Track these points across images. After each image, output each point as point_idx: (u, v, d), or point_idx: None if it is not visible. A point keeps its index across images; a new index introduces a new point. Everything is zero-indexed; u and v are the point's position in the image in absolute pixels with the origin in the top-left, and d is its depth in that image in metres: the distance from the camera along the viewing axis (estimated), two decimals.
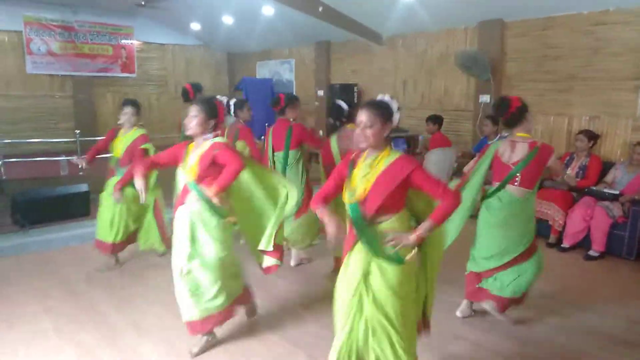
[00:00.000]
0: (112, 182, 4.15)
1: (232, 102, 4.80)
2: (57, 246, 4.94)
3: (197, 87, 4.93)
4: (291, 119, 4.33)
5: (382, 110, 2.18)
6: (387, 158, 2.17)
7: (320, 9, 7.39)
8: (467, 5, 6.60)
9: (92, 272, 4.30)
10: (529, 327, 3.32)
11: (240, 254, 3.19)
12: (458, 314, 3.46)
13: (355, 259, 2.23)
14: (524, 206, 3.14)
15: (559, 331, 3.27)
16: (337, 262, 3.55)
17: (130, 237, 4.34)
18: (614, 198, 4.77)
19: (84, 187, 5.67)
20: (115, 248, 4.24)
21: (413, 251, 2.19)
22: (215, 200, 2.76)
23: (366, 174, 2.18)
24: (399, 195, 2.18)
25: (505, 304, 3.25)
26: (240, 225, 3.20)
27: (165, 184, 4.05)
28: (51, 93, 10.59)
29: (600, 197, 4.86)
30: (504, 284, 3.20)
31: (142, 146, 4.02)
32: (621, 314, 3.57)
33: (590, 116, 5.94)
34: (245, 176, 3.01)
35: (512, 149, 3.15)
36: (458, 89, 7.55)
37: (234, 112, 4.79)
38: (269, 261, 3.20)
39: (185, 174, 2.84)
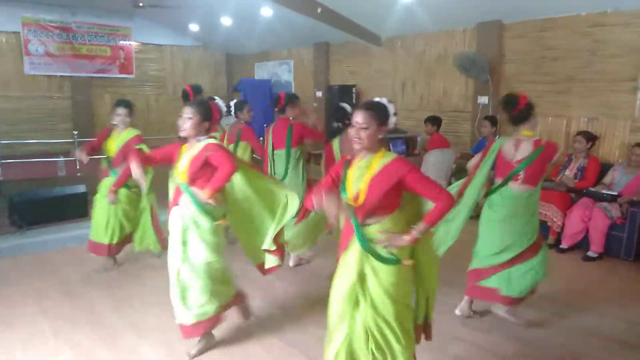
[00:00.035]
0: (106, 183, 4.14)
1: (232, 103, 4.81)
2: (55, 247, 4.93)
3: (197, 89, 4.95)
4: (291, 118, 4.33)
5: (379, 113, 2.18)
6: (382, 160, 2.16)
7: (319, 10, 7.39)
8: (465, 6, 6.60)
9: (90, 273, 4.29)
10: (528, 328, 3.32)
11: (238, 254, 3.19)
12: (457, 312, 3.45)
13: (350, 259, 2.23)
14: (526, 202, 3.13)
15: (558, 332, 3.26)
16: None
17: (126, 239, 4.33)
18: (612, 199, 4.77)
19: (81, 188, 5.66)
20: (112, 250, 4.23)
21: (409, 260, 2.19)
22: (208, 202, 2.75)
23: (361, 175, 2.18)
24: (393, 197, 2.18)
25: (513, 304, 3.24)
26: (234, 229, 3.16)
27: (160, 186, 4.04)
28: (49, 94, 10.56)
29: (599, 198, 4.86)
30: (511, 282, 3.17)
31: (136, 147, 4.01)
32: (620, 314, 3.57)
33: (589, 117, 5.95)
34: (240, 180, 2.98)
35: (517, 146, 3.15)
36: (457, 90, 7.55)
37: (235, 113, 4.79)
38: (270, 260, 3.17)
39: (178, 176, 2.83)
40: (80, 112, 10.78)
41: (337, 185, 2.29)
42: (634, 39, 5.46)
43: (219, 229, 2.90)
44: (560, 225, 4.92)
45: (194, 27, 11.03)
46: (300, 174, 4.31)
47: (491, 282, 3.26)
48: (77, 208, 5.50)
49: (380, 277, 2.17)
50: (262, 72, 11.77)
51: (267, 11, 8.24)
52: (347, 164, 2.28)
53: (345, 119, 3.90)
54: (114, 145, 4.11)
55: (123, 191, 4.14)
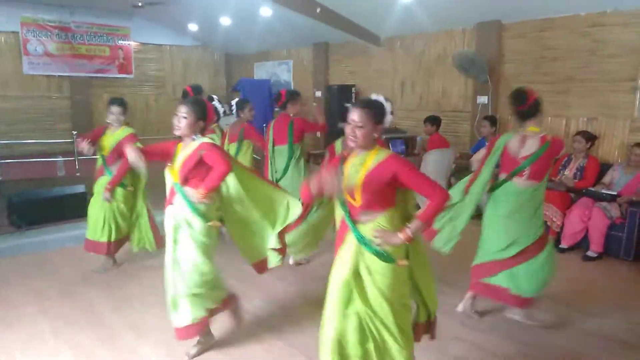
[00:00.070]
0: (102, 182, 4.14)
1: (233, 102, 4.84)
2: (54, 247, 4.93)
3: (197, 89, 4.95)
4: (291, 114, 4.35)
5: (375, 112, 2.17)
6: (377, 156, 2.15)
7: (318, 10, 7.39)
8: (464, 6, 6.61)
9: (89, 273, 4.28)
10: (528, 328, 3.31)
11: (237, 255, 3.17)
12: (459, 308, 3.45)
13: (345, 254, 2.22)
14: (531, 197, 3.12)
15: (558, 332, 3.26)
16: None
17: (124, 238, 4.32)
18: (611, 199, 4.78)
19: (80, 188, 5.65)
20: (111, 247, 4.22)
21: (404, 260, 2.18)
22: (201, 202, 2.73)
23: (355, 172, 2.17)
24: (389, 194, 2.17)
25: (524, 304, 3.22)
26: (229, 229, 3.12)
27: (156, 187, 4.03)
28: (48, 94, 10.55)
29: (598, 198, 4.87)
30: (519, 281, 3.15)
31: None
32: (620, 314, 3.57)
33: (588, 117, 5.95)
34: (236, 181, 2.93)
35: (523, 142, 3.13)
36: (456, 90, 7.55)
37: (236, 112, 4.82)
38: (274, 259, 3.13)
39: (172, 175, 2.81)
40: (79, 112, 10.78)
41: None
42: (634, 39, 5.46)
43: (211, 230, 2.86)
44: (560, 225, 4.93)
45: (193, 27, 11.03)
46: (301, 170, 4.33)
47: (498, 280, 3.22)
48: (76, 208, 5.48)
49: (375, 277, 2.16)
50: (261, 72, 11.77)
51: (266, 11, 8.23)
52: (343, 160, 2.28)
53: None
54: (108, 143, 4.10)
55: (119, 190, 4.15)
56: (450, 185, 6.39)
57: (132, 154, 2.72)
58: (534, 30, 6.40)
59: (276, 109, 4.57)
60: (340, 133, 4.07)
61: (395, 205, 2.23)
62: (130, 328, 3.30)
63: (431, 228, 3.34)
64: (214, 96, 5.20)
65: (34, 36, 10.06)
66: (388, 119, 2.24)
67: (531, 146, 3.09)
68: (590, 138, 5.28)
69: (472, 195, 3.21)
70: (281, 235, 3.10)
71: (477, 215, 3.36)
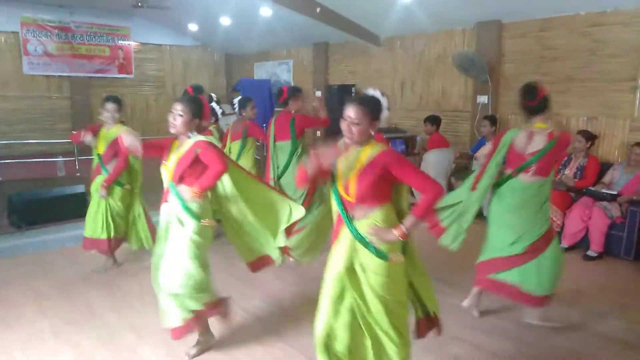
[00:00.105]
0: (99, 180, 4.13)
1: (235, 100, 4.86)
2: (54, 247, 4.92)
3: (198, 90, 4.96)
4: (293, 111, 4.36)
5: (371, 108, 2.15)
6: (371, 150, 2.15)
7: (318, 10, 7.39)
8: (464, 6, 6.61)
9: (89, 273, 4.28)
10: (528, 329, 3.31)
11: (235, 253, 3.16)
12: (464, 304, 3.44)
13: (340, 250, 2.22)
14: (536, 193, 3.10)
15: (559, 332, 3.25)
16: None
17: (122, 237, 4.31)
18: (612, 198, 4.77)
19: (80, 188, 5.64)
20: (112, 244, 4.21)
21: (399, 256, 2.16)
22: (194, 200, 2.71)
23: (350, 166, 2.17)
24: (384, 188, 2.16)
25: (539, 303, 3.19)
26: (225, 228, 3.09)
27: (152, 186, 4.04)
28: (48, 94, 10.56)
29: (599, 197, 4.86)
30: (530, 277, 3.13)
31: None
32: (620, 314, 3.57)
33: (588, 117, 5.95)
34: (232, 183, 2.89)
35: (530, 139, 3.11)
36: (456, 90, 7.55)
37: (238, 111, 4.84)
38: (276, 255, 3.11)
39: (166, 173, 2.79)
40: (79, 112, 10.78)
41: (328, 172, 2.27)
42: (634, 39, 5.46)
43: (205, 230, 2.80)
44: (560, 224, 4.92)
45: (193, 27, 11.03)
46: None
47: (507, 277, 3.19)
48: (76, 208, 5.48)
49: (368, 275, 2.15)
50: (261, 72, 11.77)
51: (266, 11, 8.24)
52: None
53: None
54: (103, 142, 4.09)
55: (117, 189, 4.14)
56: (450, 185, 6.39)
57: (128, 139, 2.70)
58: (534, 30, 6.40)
59: (276, 109, 4.57)
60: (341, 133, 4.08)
61: (391, 200, 2.22)
62: (130, 328, 3.29)
63: (439, 226, 3.33)
64: (213, 95, 5.21)
65: (33, 36, 10.06)
66: (384, 114, 2.22)
67: (538, 143, 3.07)
68: (591, 137, 5.28)
69: (479, 191, 3.20)
70: (288, 232, 3.07)
71: (478, 215, 3.36)
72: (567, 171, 5.30)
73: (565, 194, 5.12)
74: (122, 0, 9.49)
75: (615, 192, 4.82)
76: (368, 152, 2.15)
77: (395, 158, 2.11)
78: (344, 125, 2.14)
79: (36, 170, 8.04)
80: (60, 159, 7.84)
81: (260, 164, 5.10)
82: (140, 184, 4.31)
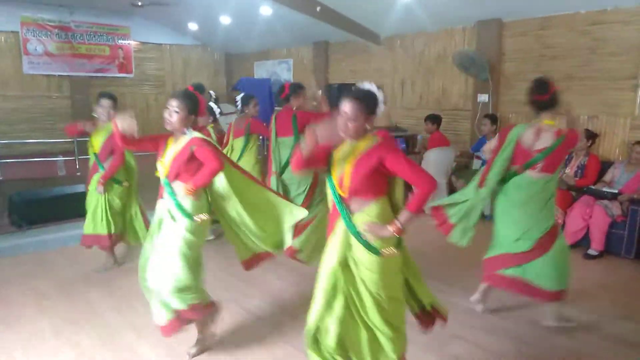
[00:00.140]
0: (97, 178, 4.13)
1: (238, 97, 4.87)
2: (55, 247, 4.93)
3: (200, 88, 4.94)
4: (294, 107, 4.36)
5: (367, 104, 2.14)
6: (366, 143, 2.14)
7: (318, 9, 7.38)
8: (465, 5, 6.59)
9: (89, 272, 4.28)
10: (529, 327, 3.31)
11: (232, 253, 3.16)
12: (472, 299, 3.44)
13: (334, 244, 2.21)
14: (542, 189, 3.08)
15: (559, 331, 3.25)
16: None
17: (121, 233, 4.31)
18: (612, 197, 4.77)
19: (81, 188, 5.63)
20: (113, 240, 4.21)
21: (391, 249, 2.14)
22: (188, 197, 2.68)
23: (345, 159, 2.17)
24: (379, 181, 2.15)
25: (555, 298, 3.17)
26: (222, 226, 3.06)
27: (148, 185, 4.04)
28: (48, 93, 10.56)
29: (599, 196, 4.86)
30: (540, 274, 3.11)
31: None
32: (621, 313, 3.56)
33: (589, 115, 5.94)
34: (228, 183, 2.84)
35: (537, 135, 3.09)
36: (456, 88, 7.54)
37: (241, 108, 4.85)
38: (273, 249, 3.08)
39: (162, 169, 2.76)
40: (80, 112, 10.75)
41: (324, 160, 2.27)
42: (634, 37, 5.45)
43: (198, 228, 2.76)
44: (561, 223, 4.92)
45: (193, 26, 11.02)
46: None
47: (516, 272, 3.17)
48: (76, 207, 5.46)
49: (361, 270, 2.14)
50: (261, 71, 11.77)
51: (266, 10, 8.23)
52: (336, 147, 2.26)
53: None
54: (98, 139, 4.09)
55: (115, 187, 4.15)
56: (451, 184, 6.39)
57: (121, 121, 2.67)
58: (534, 28, 6.39)
59: (276, 108, 4.57)
60: None
61: (386, 194, 2.20)
62: (131, 327, 3.29)
63: (447, 223, 3.33)
64: (212, 92, 5.22)
65: (33, 36, 10.06)
66: (380, 108, 2.21)
67: (546, 139, 3.05)
68: (591, 136, 5.27)
69: (487, 187, 3.19)
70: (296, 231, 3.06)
71: (486, 215, 3.34)
72: (567, 170, 5.29)
73: (566, 192, 5.12)
74: None
75: (616, 191, 4.82)
76: (363, 145, 2.14)
77: (390, 150, 2.10)
78: (339, 121, 2.13)
79: (37, 169, 8.04)
80: (61, 158, 7.83)
81: (264, 162, 5.09)
82: (136, 181, 4.31)
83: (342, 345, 2.17)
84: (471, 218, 3.24)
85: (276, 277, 4.15)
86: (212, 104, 4.98)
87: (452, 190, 6.45)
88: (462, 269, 4.25)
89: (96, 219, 4.15)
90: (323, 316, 2.20)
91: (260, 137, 5.08)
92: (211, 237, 5.00)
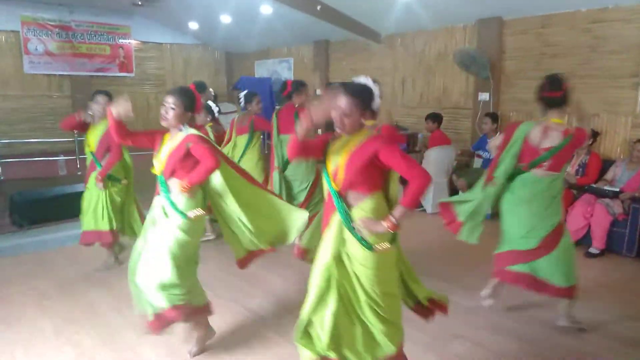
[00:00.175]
0: (95, 175, 4.12)
1: (241, 95, 4.87)
2: (55, 246, 4.93)
3: (201, 86, 4.94)
4: (297, 105, 4.36)
5: (362, 99, 2.12)
6: (361, 137, 2.13)
7: (319, 7, 7.37)
8: (465, 3, 6.58)
9: (90, 272, 4.28)
10: (531, 327, 3.31)
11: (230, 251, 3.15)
12: (483, 293, 3.43)
13: (328, 239, 2.20)
14: (548, 187, 3.07)
15: (561, 330, 3.24)
16: None
17: (121, 229, 4.31)
18: (614, 195, 4.76)
19: (82, 187, 5.60)
20: (114, 236, 4.20)
21: (385, 244, 2.11)
22: (183, 194, 2.65)
23: (340, 152, 2.16)
24: (374, 175, 2.13)
25: (567, 294, 3.15)
26: (220, 223, 3.02)
27: (144, 182, 4.04)
28: (49, 93, 10.56)
29: (601, 194, 4.85)
30: (550, 270, 3.10)
31: None
32: (623, 311, 3.56)
33: (590, 114, 5.93)
34: (222, 179, 2.80)
35: (545, 133, 3.06)
36: (457, 87, 7.53)
37: (244, 105, 4.86)
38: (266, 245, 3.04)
39: (158, 165, 2.73)
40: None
41: (319, 151, 2.27)
42: (635, 35, 5.44)
43: (192, 227, 2.71)
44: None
45: (193, 25, 11.02)
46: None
47: (524, 269, 3.16)
48: (77, 207, 5.46)
49: (356, 265, 2.13)
50: (262, 70, 11.76)
51: (266, 9, 8.22)
52: (332, 139, 2.25)
53: None
54: (94, 137, 4.08)
55: (114, 184, 4.15)
56: (452, 182, 6.39)
57: (118, 107, 2.64)
58: (535, 26, 6.38)
59: (277, 107, 4.57)
60: None
61: (382, 189, 2.19)
62: (131, 327, 3.29)
63: (456, 221, 3.32)
64: (211, 90, 5.22)
65: (34, 35, 10.06)
66: (376, 102, 2.18)
67: (553, 138, 3.03)
68: (592, 134, 5.26)
69: (497, 185, 3.17)
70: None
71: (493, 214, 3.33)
72: (569, 168, 5.28)
73: (568, 191, 5.11)
74: None
75: (617, 189, 4.81)
76: (358, 138, 2.13)
77: (385, 143, 2.08)
78: (335, 116, 2.11)
79: (37, 169, 8.05)
80: (62, 158, 7.85)
81: (266, 158, 5.10)
82: (132, 178, 4.31)
83: (336, 340, 2.15)
84: (479, 215, 3.25)
85: (277, 276, 4.15)
86: (210, 102, 4.98)
87: (453, 189, 6.45)
88: (463, 268, 4.24)
89: (97, 215, 4.15)
90: (316, 311, 2.18)
91: (262, 135, 5.08)
92: (212, 237, 5.00)
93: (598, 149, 5.67)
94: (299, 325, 2.22)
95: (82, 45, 10.64)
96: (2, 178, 7.13)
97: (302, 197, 4.37)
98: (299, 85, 4.37)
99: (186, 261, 2.76)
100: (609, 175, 5.10)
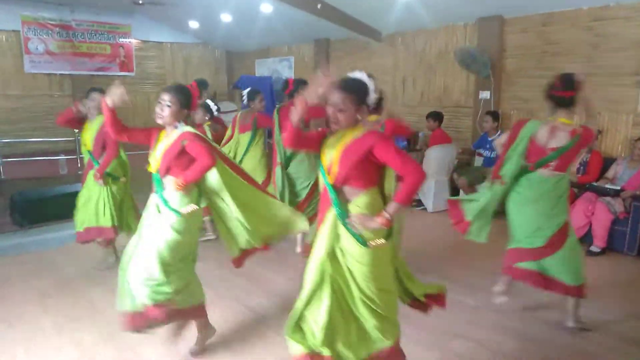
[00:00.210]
0: (93, 173, 4.11)
1: (245, 92, 4.88)
2: (56, 245, 4.93)
3: (203, 84, 4.94)
4: None
5: (357, 94, 2.11)
6: (357, 132, 2.12)
7: (319, 6, 7.36)
8: (466, 2, 6.57)
9: (91, 271, 4.28)
10: (533, 326, 3.30)
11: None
12: (495, 289, 3.43)
13: (323, 235, 2.19)
14: (554, 187, 3.06)
15: (562, 329, 3.24)
16: None
17: (120, 225, 4.31)
18: (615, 194, 4.75)
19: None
20: (115, 232, 4.20)
21: (379, 240, 2.09)
22: (178, 191, 2.61)
23: (334, 146, 2.15)
24: (369, 171, 2.12)
25: (577, 293, 3.13)
26: (215, 221, 2.98)
27: (141, 182, 4.04)
28: (50, 92, 10.57)
29: (602, 192, 4.84)
30: (561, 270, 3.09)
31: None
32: (624, 310, 3.55)
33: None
34: (218, 177, 2.75)
35: (552, 133, 3.04)
36: (457, 85, 7.53)
37: (247, 103, 4.87)
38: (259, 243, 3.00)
39: (153, 163, 2.71)
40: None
41: (314, 144, 2.27)
42: (636, 33, 5.43)
43: (187, 225, 2.67)
44: None
45: (193, 24, 11.01)
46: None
47: (534, 266, 3.15)
48: None
49: (350, 261, 2.12)
50: (262, 69, 11.76)
51: (266, 7, 8.21)
52: (329, 134, 2.25)
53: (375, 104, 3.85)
54: (89, 135, 4.07)
55: (114, 182, 4.16)
56: (452, 181, 6.38)
57: (112, 95, 2.62)
58: (536, 24, 6.37)
59: (277, 106, 4.56)
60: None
61: (377, 185, 2.18)
62: None
63: (464, 221, 3.31)
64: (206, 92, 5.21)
65: (35, 35, 10.06)
66: (372, 97, 2.17)
67: (561, 138, 3.00)
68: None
69: (505, 185, 3.16)
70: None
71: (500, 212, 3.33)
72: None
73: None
74: None
75: (618, 187, 4.80)
76: (352, 134, 2.12)
77: (380, 138, 2.07)
78: (329, 112, 2.11)
79: (38, 168, 8.06)
80: (62, 157, 7.85)
81: (269, 155, 5.11)
82: (129, 176, 4.31)
83: (330, 336, 2.13)
84: (487, 214, 3.24)
85: (279, 275, 4.15)
86: (209, 101, 4.97)
87: (454, 187, 6.45)
88: (465, 267, 4.24)
89: (99, 211, 4.15)
90: (310, 306, 2.17)
91: (264, 133, 5.09)
92: (213, 237, 5.00)
93: (599, 147, 5.66)
94: (290, 319, 2.21)
95: (82, 45, 10.65)
96: (3, 177, 7.14)
97: (304, 194, 4.38)
98: (301, 84, 4.37)
99: (180, 260, 2.73)
100: (610, 174, 5.09)
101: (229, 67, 13.08)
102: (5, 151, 8.56)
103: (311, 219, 4.04)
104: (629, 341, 3.12)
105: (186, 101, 2.70)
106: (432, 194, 6.34)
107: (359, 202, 2.12)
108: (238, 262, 2.98)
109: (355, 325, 2.18)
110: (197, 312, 2.89)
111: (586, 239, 4.81)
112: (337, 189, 2.15)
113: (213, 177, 2.76)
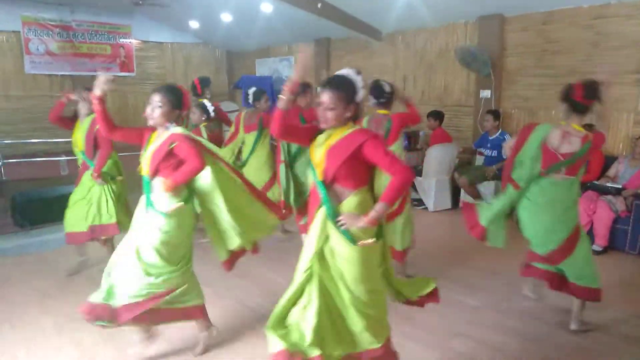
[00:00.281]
0: (89, 173, 4.11)
1: (250, 91, 4.89)
2: (57, 246, 4.92)
3: (205, 82, 4.93)
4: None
5: (346, 92, 2.10)
6: (346, 130, 2.12)
7: (319, 5, 7.35)
8: (466, 0, 6.56)
9: (92, 271, 4.28)
10: (534, 325, 3.30)
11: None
12: (529, 293, 3.48)
13: (312, 235, 2.17)
14: (567, 190, 3.04)
15: (563, 328, 3.24)
16: None
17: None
18: (616, 192, 4.75)
19: None
20: (118, 228, 4.19)
21: (369, 239, 2.09)
22: (166, 192, 2.59)
23: (325, 141, 2.15)
24: (359, 170, 2.11)
25: (592, 296, 3.13)
26: (206, 223, 2.94)
27: (132, 184, 4.04)
28: (50, 93, 10.55)
29: (603, 191, 4.83)
30: (578, 273, 3.09)
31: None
32: (625, 309, 3.54)
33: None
34: (213, 178, 2.73)
35: (564, 139, 3.01)
36: (458, 84, 7.51)
37: (252, 103, 4.88)
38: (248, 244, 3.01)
39: (143, 164, 2.69)
40: None
41: (303, 136, 2.28)
42: (637, 31, 5.42)
43: (176, 226, 2.65)
44: None
45: (194, 24, 11.00)
46: None
47: (550, 268, 3.17)
48: None
49: (339, 262, 2.11)
50: (263, 68, 11.75)
51: (267, 7, 8.20)
52: (320, 132, 2.24)
53: (380, 97, 3.82)
54: (80, 135, 4.07)
55: (113, 182, 4.16)
56: (453, 180, 6.37)
57: (100, 84, 2.66)
58: (536, 23, 6.35)
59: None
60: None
61: (368, 185, 2.17)
62: None
63: (479, 226, 3.29)
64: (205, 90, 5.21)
65: (35, 35, 10.06)
66: (360, 94, 2.15)
67: (573, 144, 2.98)
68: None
69: (521, 189, 3.14)
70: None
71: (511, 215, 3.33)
72: None
73: None
74: None
75: (619, 186, 4.79)
76: (341, 132, 2.11)
77: (368, 136, 2.06)
78: (319, 111, 2.10)
79: (39, 169, 8.06)
80: (63, 158, 7.84)
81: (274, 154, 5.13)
82: (124, 175, 4.31)
83: (319, 336, 2.10)
84: (501, 218, 3.23)
85: (276, 274, 4.14)
86: (206, 101, 4.97)
87: (454, 186, 6.44)
88: (466, 267, 4.23)
89: (101, 209, 4.13)
90: (298, 305, 2.16)
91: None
92: None
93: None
94: (273, 314, 2.17)
95: (83, 45, 10.64)
96: (4, 178, 7.14)
97: (306, 193, 4.39)
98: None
99: (176, 261, 2.71)
100: (611, 172, 5.08)
101: (229, 67, 13.07)
102: (6, 152, 8.57)
103: None
104: (630, 340, 3.12)
105: (177, 101, 2.67)
106: (433, 193, 6.34)
107: (349, 201, 2.11)
108: (228, 264, 2.96)
109: (344, 326, 2.16)
110: (197, 312, 2.89)
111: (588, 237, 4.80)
112: (327, 185, 2.14)
113: (205, 179, 2.73)
